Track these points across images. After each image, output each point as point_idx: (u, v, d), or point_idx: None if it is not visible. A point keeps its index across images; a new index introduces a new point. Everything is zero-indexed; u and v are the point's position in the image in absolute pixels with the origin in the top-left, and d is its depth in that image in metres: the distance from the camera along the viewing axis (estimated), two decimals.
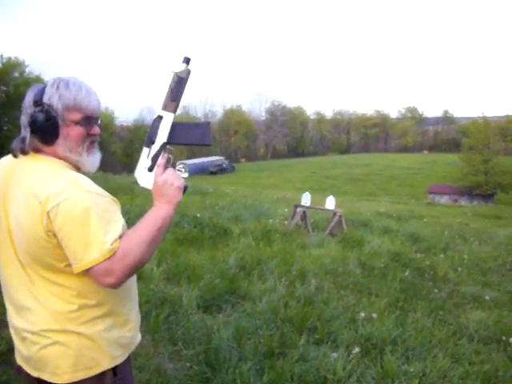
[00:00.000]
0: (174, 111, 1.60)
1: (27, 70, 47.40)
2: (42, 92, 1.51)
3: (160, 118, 1.60)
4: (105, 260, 1.41)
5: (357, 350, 3.71)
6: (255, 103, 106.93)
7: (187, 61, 1.60)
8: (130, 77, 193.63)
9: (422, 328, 4.42)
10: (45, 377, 1.56)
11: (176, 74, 1.59)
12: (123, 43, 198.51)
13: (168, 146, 1.62)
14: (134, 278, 1.71)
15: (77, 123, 1.54)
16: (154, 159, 1.61)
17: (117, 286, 1.47)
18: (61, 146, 1.54)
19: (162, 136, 1.60)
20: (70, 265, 1.47)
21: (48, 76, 48.50)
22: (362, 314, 4.47)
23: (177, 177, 1.59)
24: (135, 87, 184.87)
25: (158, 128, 1.60)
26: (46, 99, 1.50)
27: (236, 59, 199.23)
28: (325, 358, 3.59)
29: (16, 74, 46.50)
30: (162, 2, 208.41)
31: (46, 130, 1.51)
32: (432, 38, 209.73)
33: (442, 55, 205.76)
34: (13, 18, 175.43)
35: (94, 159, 1.63)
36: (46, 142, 1.53)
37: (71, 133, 1.54)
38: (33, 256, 1.49)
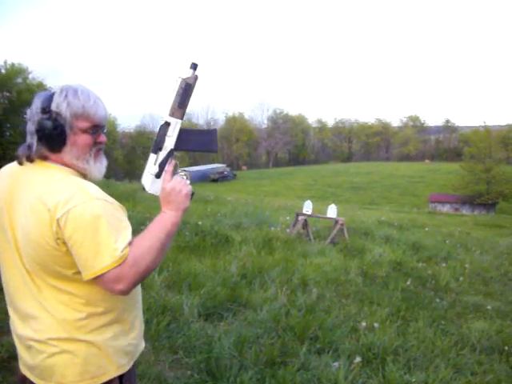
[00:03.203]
0: (182, 117, 1.61)
1: (30, 76, 47.60)
2: (49, 99, 1.50)
3: (167, 124, 1.59)
4: (115, 267, 1.41)
5: (358, 359, 3.68)
6: (257, 111, 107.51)
7: (194, 67, 1.60)
8: (132, 83, 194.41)
9: (424, 338, 4.40)
10: None
11: (184, 80, 1.58)
12: (125, 50, 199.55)
13: (175, 153, 1.62)
14: (139, 286, 1.71)
15: (84, 131, 1.54)
16: (162, 166, 1.60)
17: (126, 292, 1.47)
18: (68, 153, 1.54)
19: (170, 142, 1.60)
20: (78, 272, 1.47)
21: (51, 82, 48.66)
22: (364, 324, 4.45)
23: (184, 183, 1.60)
24: (137, 94, 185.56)
25: (165, 134, 1.60)
26: (54, 107, 1.49)
27: (238, 67, 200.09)
28: (326, 368, 3.57)
29: (19, 80, 46.65)
30: (165, 10, 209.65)
31: (54, 138, 1.50)
32: (434, 46, 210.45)
33: (444, 64, 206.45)
34: (16, 24, 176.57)
35: (100, 166, 1.63)
36: (53, 150, 1.52)
37: (78, 141, 1.54)
38: (40, 264, 1.47)
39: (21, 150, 1.54)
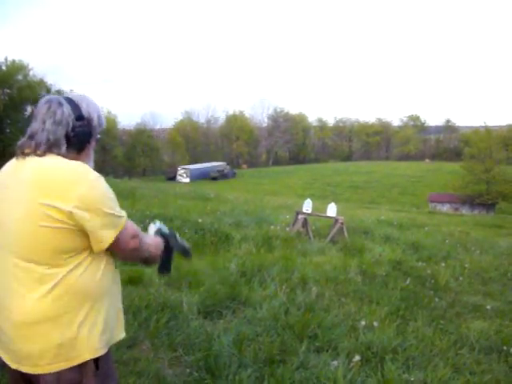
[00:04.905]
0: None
1: (31, 73, 47.59)
2: (77, 107, 1.72)
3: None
4: (127, 227, 1.70)
5: (357, 358, 3.68)
6: (257, 109, 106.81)
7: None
8: (133, 81, 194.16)
9: (423, 337, 4.40)
10: (25, 369, 1.64)
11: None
12: (126, 48, 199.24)
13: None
14: (116, 277, 1.84)
15: (96, 138, 1.83)
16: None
17: (137, 250, 1.77)
18: (85, 155, 1.76)
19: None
20: (71, 257, 1.61)
21: (51, 79, 48.62)
22: (363, 322, 4.44)
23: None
24: (137, 92, 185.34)
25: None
26: (86, 115, 1.73)
27: (239, 65, 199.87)
28: (325, 366, 3.57)
29: (20, 77, 46.64)
30: (166, 9, 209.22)
31: (84, 142, 1.74)
32: (435, 46, 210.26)
33: (445, 64, 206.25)
34: (18, 22, 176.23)
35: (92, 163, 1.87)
36: (79, 151, 1.73)
37: (93, 144, 1.81)
38: (34, 250, 1.57)
39: (25, 146, 1.66)
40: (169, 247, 2.03)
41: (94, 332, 1.68)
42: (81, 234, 1.61)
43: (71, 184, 1.56)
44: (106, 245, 1.64)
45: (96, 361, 1.69)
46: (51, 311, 1.59)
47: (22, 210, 1.57)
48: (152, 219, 7.49)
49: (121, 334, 1.87)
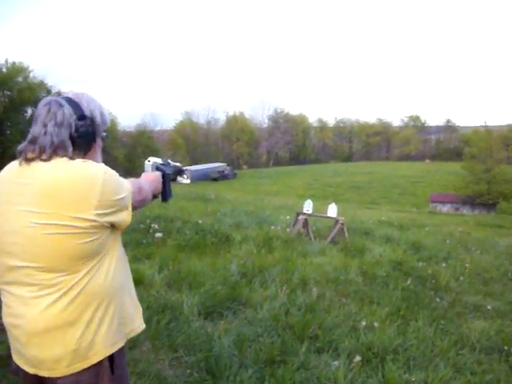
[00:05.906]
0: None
1: (31, 75, 47.63)
2: (78, 106, 1.66)
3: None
4: (133, 192, 1.73)
5: (358, 358, 3.68)
6: (258, 110, 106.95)
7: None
8: (133, 82, 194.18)
9: (424, 337, 4.39)
10: (42, 373, 1.61)
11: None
12: (125, 49, 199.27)
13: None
14: (128, 276, 1.83)
15: (102, 137, 1.79)
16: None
17: (144, 199, 1.91)
18: (90, 155, 1.70)
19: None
20: (87, 261, 1.57)
21: (51, 81, 48.67)
22: (364, 323, 4.44)
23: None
24: (138, 93, 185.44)
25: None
26: (88, 113, 1.68)
27: (239, 66, 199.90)
28: (326, 367, 3.57)
29: (20, 79, 46.67)
30: (166, 9, 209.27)
31: (88, 142, 1.68)
32: (435, 47, 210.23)
33: (446, 64, 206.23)
34: (16, 23, 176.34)
35: None
36: (85, 152, 1.67)
37: (99, 144, 1.78)
38: (48, 258, 1.53)
39: (27, 151, 1.59)
40: (165, 175, 2.23)
41: (111, 329, 1.66)
42: (100, 235, 1.58)
43: (87, 191, 1.52)
44: (127, 222, 1.68)
45: (111, 363, 1.66)
46: (63, 318, 1.55)
47: (31, 219, 1.51)
48: (152, 219, 7.60)
49: (141, 326, 1.86)
